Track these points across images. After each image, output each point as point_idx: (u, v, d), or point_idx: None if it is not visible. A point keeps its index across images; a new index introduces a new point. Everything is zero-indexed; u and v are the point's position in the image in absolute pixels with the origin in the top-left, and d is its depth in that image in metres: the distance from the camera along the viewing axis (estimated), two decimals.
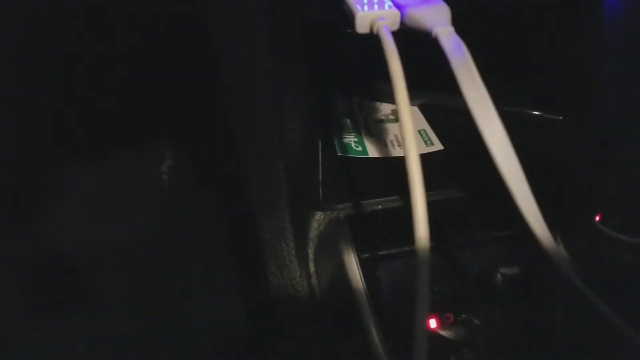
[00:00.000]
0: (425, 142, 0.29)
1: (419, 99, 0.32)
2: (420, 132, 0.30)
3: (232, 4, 0.18)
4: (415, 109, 0.32)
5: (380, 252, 0.24)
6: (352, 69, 0.33)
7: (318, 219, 0.25)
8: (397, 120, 0.31)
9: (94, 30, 0.17)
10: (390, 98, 0.33)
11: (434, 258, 0.24)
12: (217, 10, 0.18)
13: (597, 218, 0.23)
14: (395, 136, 0.30)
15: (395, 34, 0.19)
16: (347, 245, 0.24)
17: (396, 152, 0.28)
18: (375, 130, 0.30)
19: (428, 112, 0.32)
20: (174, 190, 0.23)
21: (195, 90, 0.23)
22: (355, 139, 0.29)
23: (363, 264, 0.23)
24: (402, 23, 0.20)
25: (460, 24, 0.20)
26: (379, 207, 0.25)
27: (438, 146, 0.28)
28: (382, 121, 0.31)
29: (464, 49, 0.18)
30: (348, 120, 0.31)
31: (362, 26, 0.20)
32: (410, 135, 0.17)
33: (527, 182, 0.17)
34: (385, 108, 0.33)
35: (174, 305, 0.25)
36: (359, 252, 0.23)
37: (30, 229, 0.19)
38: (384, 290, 0.23)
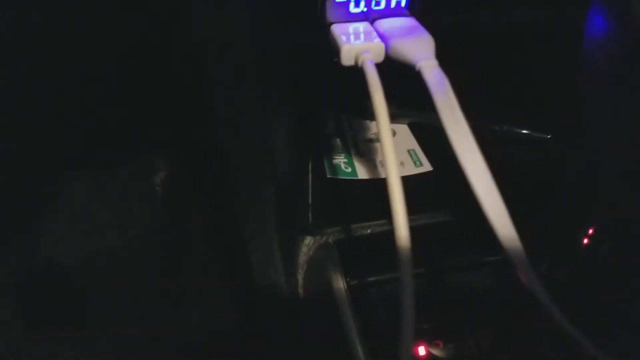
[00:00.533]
0: (414, 162, 0.29)
1: (408, 117, 0.32)
2: (410, 152, 0.30)
3: (220, 30, 0.18)
4: (405, 127, 0.32)
5: (370, 279, 0.24)
6: (341, 87, 0.34)
7: (307, 243, 0.25)
8: None
9: (86, 46, 0.17)
10: None
11: (422, 283, 0.25)
12: (205, 35, 0.18)
13: (585, 241, 0.23)
14: None
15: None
16: (336, 271, 0.24)
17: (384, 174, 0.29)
18: (365, 150, 0.31)
19: (418, 130, 0.32)
20: (167, 202, 0.23)
21: (188, 104, 0.23)
22: (345, 160, 0.30)
23: (352, 291, 0.23)
24: (387, 55, 0.20)
25: (448, 46, 0.20)
26: (368, 231, 0.25)
27: (427, 167, 0.29)
28: (371, 140, 0.31)
29: (446, 83, 0.18)
30: (338, 139, 0.32)
31: (347, 59, 0.20)
32: (394, 179, 0.17)
33: (509, 216, 0.17)
34: (374, 127, 0.33)
35: (168, 317, 0.25)
36: (348, 278, 0.24)
37: (24, 242, 0.19)
38: (373, 317, 0.23)
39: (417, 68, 0.19)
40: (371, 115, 0.34)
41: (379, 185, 0.28)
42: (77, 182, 0.19)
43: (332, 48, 0.21)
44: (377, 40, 0.20)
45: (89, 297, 0.21)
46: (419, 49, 0.19)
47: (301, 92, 0.31)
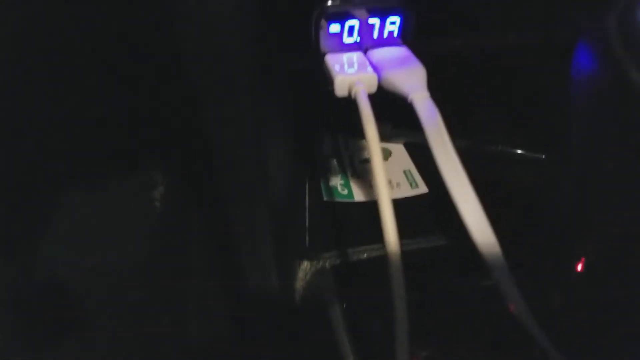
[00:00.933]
0: (410, 183, 0.29)
1: (404, 137, 0.33)
2: (406, 173, 0.30)
3: (215, 54, 0.18)
4: (401, 147, 0.33)
5: (366, 304, 0.24)
6: (338, 107, 0.34)
7: (304, 268, 0.26)
8: (384, 158, 0.32)
9: (85, 61, 0.17)
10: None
11: (417, 308, 0.25)
12: (199, 58, 0.18)
13: (579, 266, 0.23)
14: None
15: None
16: (333, 297, 0.24)
17: None
18: (362, 171, 0.31)
19: (414, 150, 0.32)
20: (166, 217, 0.23)
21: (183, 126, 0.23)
22: (342, 182, 0.30)
23: (348, 316, 0.23)
24: (379, 85, 0.20)
25: (441, 71, 0.21)
26: (365, 255, 0.25)
27: (422, 188, 0.29)
28: (367, 161, 0.32)
29: (437, 115, 0.18)
30: (334, 160, 0.32)
31: (340, 90, 0.20)
32: (387, 216, 0.17)
33: (499, 248, 0.17)
34: None
35: (166, 333, 0.25)
36: (344, 303, 0.24)
37: (23, 257, 0.19)
38: (369, 342, 0.24)
39: (409, 100, 0.19)
40: None
41: (376, 208, 0.28)
42: (76, 197, 0.20)
43: (326, 77, 0.21)
44: (370, 71, 0.20)
45: (88, 311, 0.21)
46: (411, 81, 0.20)
47: (297, 114, 0.31)
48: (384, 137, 0.34)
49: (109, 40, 0.18)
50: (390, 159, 0.32)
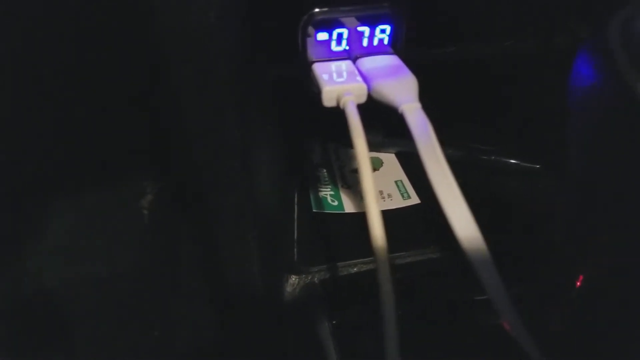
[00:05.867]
0: (402, 194, 0.29)
1: (396, 146, 0.33)
2: (397, 184, 0.30)
3: (198, 66, 0.18)
4: (392, 157, 0.33)
5: (356, 320, 0.24)
6: (327, 116, 0.34)
7: (292, 283, 0.25)
8: (374, 169, 0.32)
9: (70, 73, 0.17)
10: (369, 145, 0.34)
11: (409, 322, 0.25)
12: (183, 69, 0.18)
13: (578, 283, 0.23)
14: None
15: None
16: (321, 312, 0.24)
17: None
18: (352, 181, 0.31)
19: (406, 160, 0.32)
20: (154, 226, 0.23)
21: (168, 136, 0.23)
22: (332, 192, 0.30)
23: (337, 332, 0.23)
24: (369, 95, 0.20)
25: (434, 79, 0.20)
26: (355, 269, 0.25)
27: (414, 199, 0.29)
28: (357, 171, 0.32)
29: (429, 127, 0.18)
30: (324, 170, 0.32)
31: (328, 100, 0.20)
32: (376, 229, 0.17)
33: (490, 255, 0.17)
34: None
35: (154, 344, 0.25)
36: (333, 319, 0.24)
37: (10, 269, 0.19)
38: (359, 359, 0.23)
39: (399, 111, 0.19)
40: None
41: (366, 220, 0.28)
42: (63, 207, 0.20)
43: (314, 87, 0.21)
44: (360, 80, 0.20)
45: (75, 322, 0.21)
46: (402, 91, 0.19)
47: (286, 123, 0.31)
48: (375, 146, 0.34)
49: (91, 47, 0.18)
50: (381, 168, 0.32)
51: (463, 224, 0.17)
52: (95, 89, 0.19)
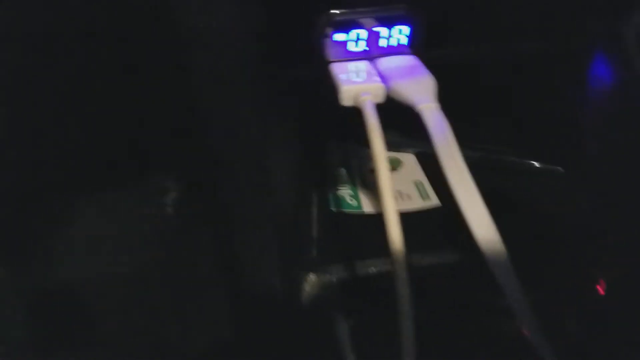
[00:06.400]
0: (421, 196, 0.29)
1: (416, 146, 0.33)
2: (417, 185, 0.30)
3: (216, 65, 0.18)
4: (412, 157, 0.32)
5: (374, 319, 0.24)
6: (346, 114, 0.34)
7: (310, 281, 0.26)
8: (393, 169, 0.32)
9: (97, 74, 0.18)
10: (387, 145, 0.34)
11: (427, 326, 0.24)
12: (202, 70, 0.18)
13: (600, 288, 0.23)
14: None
15: None
16: (339, 311, 0.24)
17: None
18: (371, 181, 0.31)
19: (425, 160, 0.32)
20: (177, 223, 0.24)
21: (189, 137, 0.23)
22: (350, 192, 0.30)
23: (355, 332, 0.23)
24: (387, 95, 0.20)
25: (453, 80, 0.20)
26: (373, 269, 0.25)
27: (434, 201, 0.29)
28: None
29: (447, 127, 0.18)
30: (343, 170, 0.32)
31: (346, 99, 0.20)
32: (393, 230, 0.17)
33: (509, 258, 0.17)
34: None
35: (173, 341, 0.26)
36: (350, 318, 0.24)
37: (36, 264, 0.19)
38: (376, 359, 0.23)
39: (417, 111, 0.19)
40: None
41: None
42: (89, 204, 0.20)
43: (331, 87, 0.22)
44: (378, 80, 0.20)
45: (97, 319, 0.22)
46: (420, 91, 0.20)
47: (304, 122, 0.31)
48: (394, 145, 0.34)
49: (116, 49, 0.18)
50: (400, 169, 0.32)
51: (482, 227, 0.17)
52: (118, 89, 0.19)
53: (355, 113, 0.34)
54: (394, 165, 0.32)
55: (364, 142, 0.34)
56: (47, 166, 0.19)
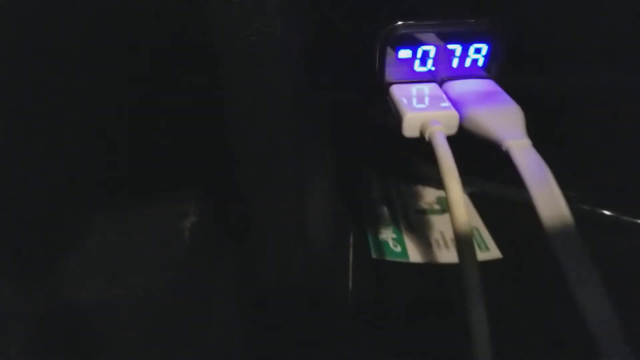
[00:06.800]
0: (478, 245, 0.25)
1: (468, 185, 0.29)
2: (472, 232, 0.26)
3: (255, 88, 0.16)
4: (466, 198, 0.28)
5: None
6: (389, 145, 0.30)
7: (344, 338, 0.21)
8: (443, 211, 0.27)
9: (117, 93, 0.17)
10: (435, 182, 0.30)
11: None
12: (239, 93, 0.16)
13: None
14: (442, 233, 0.26)
15: None
16: None
17: (442, 256, 0.24)
18: (417, 223, 0.27)
19: (480, 203, 0.28)
20: (195, 248, 0.22)
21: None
22: (394, 236, 0.26)
23: None
24: (461, 125, 0.17)
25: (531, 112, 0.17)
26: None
27: (494, 252, 0.25)
28: (424, 212, 0.28)
29: (546, 170, 0.14)
30: (385, 209, 0.28)
31: (410, 129, 0.17)
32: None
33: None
34: (428, 195, 0.29)
35: None
36: None
37: (46, 284, 0.19)
38: None
39: (504, 148, 0.15)
40: (424, 180, 0.30)
41: (437, 272, 0.24)
42: (103, 224, 0.19)
43: (391, 113, 0.18)
44: (449, 107, 0.17)
45: (108, 343, 0.21)
46: (506, 124, 0.16)
47: (342, 152, 0.28)
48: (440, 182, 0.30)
49: (145, 68, 0.17)
50: None
51: (596, 304, 0.13)
52: (140, 107, 0.18)
53: (399, 144, 0.30)
54: (444, 207, 0.28)
55: (409, 176, 0.31)
56: (59, 184, 0.18)
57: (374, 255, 0.25)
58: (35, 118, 0.16)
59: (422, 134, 0.16)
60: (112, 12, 0.15)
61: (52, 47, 0.15)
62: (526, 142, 0.15)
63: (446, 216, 0.27)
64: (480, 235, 0.26)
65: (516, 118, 0.16)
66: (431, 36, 0.18)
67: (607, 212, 0.26)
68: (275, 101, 0.16)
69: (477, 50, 0.18)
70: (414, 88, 0.18)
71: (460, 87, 0.18)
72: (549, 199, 0.14)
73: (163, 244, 0.21)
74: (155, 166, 0.20)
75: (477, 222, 0.26)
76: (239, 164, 0.18)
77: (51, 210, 0.18)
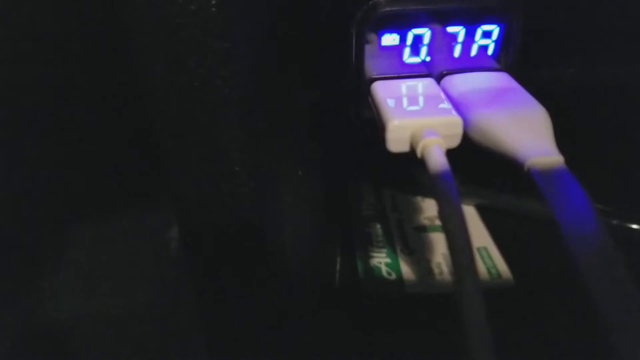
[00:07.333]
0: (488, 269, 0.21)
1: (475, 197, 0.24)
2: (481, 253, 0.22)
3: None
4: (472, 210, 0.24)
5: None
6: (381, 151, 0.26)
7: None
8: None
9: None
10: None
11: None
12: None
13: None
14: (444, 256, 0.22)
15: None
16: None
17: (445, 285, 0.20)
18: (416, 243, 0.23)
19: (488, 216, 0.24)
20: (179, 260, 0.21)
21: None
22: (388, 259, 0.22)
23: None
24: (465, 134, 0.12)
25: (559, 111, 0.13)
26: None
27: (506, 277, 0.20)
28: (424, 229, 0.24)
29: (586, 202, 0.10)
30: (377, 225, 0.24)
31: (397, 142, 0.12)
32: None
33: None
34: (429, 208, 0.25)
35: None
36: None
37: (22, 301, 0.18)
38: None
39: (526, 167, 0.11)
40: (424, 190, 0.26)
41: (438, 304, 0.20)
42: (83, 238, 0.19)
43: (373, 118, 0.14)
44: (450, 111, 0.12)
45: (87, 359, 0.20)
46: (528, 133, 0.12)
47: (325, 160, 0.24)
48: None
49: (116, 73, 0.16)
50: None
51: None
52: (116, 118, 0.17)
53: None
54: None
55: (405, 188, 0.27)
56: (42, 195, 0.17)
57: (363, 286, 0.21)
58: (9, 128, 0.15)
59: (412, 147, 0.12)
60: None
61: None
62: (557, 160, 0.11)
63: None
64: (490, 257, 0.21)
65: (542, 125, 0.12)
66: (425, 16, 0.14)
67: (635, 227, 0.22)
68: (217, 107, 0.13)
69: (486, 34, 0.14)
70: (404, 85, 0.14)
71: (464, 83, 0.13)
72: (586, 241, 0.10)
73: (147, 256, 0.21)
74: (137, 172, 0.19)
75: (486, 240, 0.22)
76: (188, 182, 0.14)
77: (28, 225, 0.17)
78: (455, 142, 0.12)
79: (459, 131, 0.12)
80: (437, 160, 0.11)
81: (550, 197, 0.10)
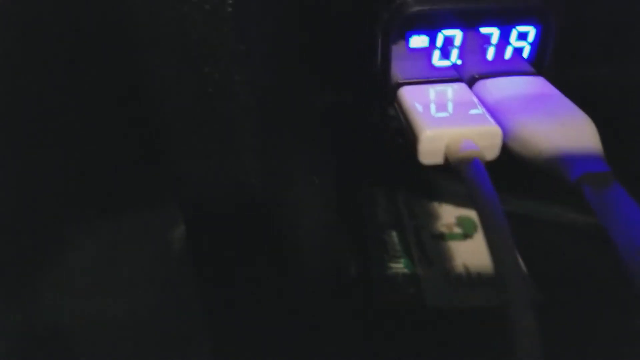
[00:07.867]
0: None
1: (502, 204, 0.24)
2: None
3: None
4: None
5: None
6: (397, 154, 0.26)
7: None
8: (465, 236, 0.23)
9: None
10: (454, 198, 0.25)
11: None
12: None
13: None
14: (465, 266, 0.21)
15: None
16: None
17: (468, 298, 0.20)
18: (436, 252, 0.22)
19: (515, 226, 0.23)
20: (185, 261, 0.21)
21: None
22: (406, 270, 0.21)
23: None
24: (505, 144, 0.12)
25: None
26: None
27: (533, 293, 0.20)
28: (442, 237, 0.23)
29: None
30: (393, 233, 0.23)
31: (429, 153, 0.12)
32: None
33: None
34: (447, 214, 0.24)
35: None
36: None
37: (20, 305, 0.18)
38: None
39: (577, 182, 0.10)
40: (442, 195, 0.25)
41: (463, 320, 0.19)
42: (86, 238, 0.19)
43: (401, 125, 0.13)
44: (488, 119, 0.12)
45: None
46: (575, 144, 0.11)
47: (339, 164, 0.23)
48: (459, 197, 0.25)
49: (121, 73, 0.15)
50: (476, 235, 0.23)
51: None
52: (117, 112, 0.17)
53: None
54: (467, 230, 0.23)
55: (423, 193, 0.26)
56: (38, 194, 0.17)
57: (379, 297, 0.20)
58: (9, 127, 0.15)
59: (446, 159, 0.11)
60: None
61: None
62: (609, 175, 0.10)
63: (469, 243, 0.22)
64: None
65: (588, 135, 0.11)
66: (456, 16, 0.13)
67: None
68: (232, 114, 0.12)
69: (522, 36, 0.13)
70: (432, 90, 0.13)
71: (499, 88, 0.13)
72: None
73: (149, 257, 0.21)
74: (139, 172, 0.18)
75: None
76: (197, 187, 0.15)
77: (28, 225, 0.17)
78: (494, 153, 0.12)
79: (498, 142, 0.11)
80: (479, 177, 0.10)
81: (602, 214, 0.10)
